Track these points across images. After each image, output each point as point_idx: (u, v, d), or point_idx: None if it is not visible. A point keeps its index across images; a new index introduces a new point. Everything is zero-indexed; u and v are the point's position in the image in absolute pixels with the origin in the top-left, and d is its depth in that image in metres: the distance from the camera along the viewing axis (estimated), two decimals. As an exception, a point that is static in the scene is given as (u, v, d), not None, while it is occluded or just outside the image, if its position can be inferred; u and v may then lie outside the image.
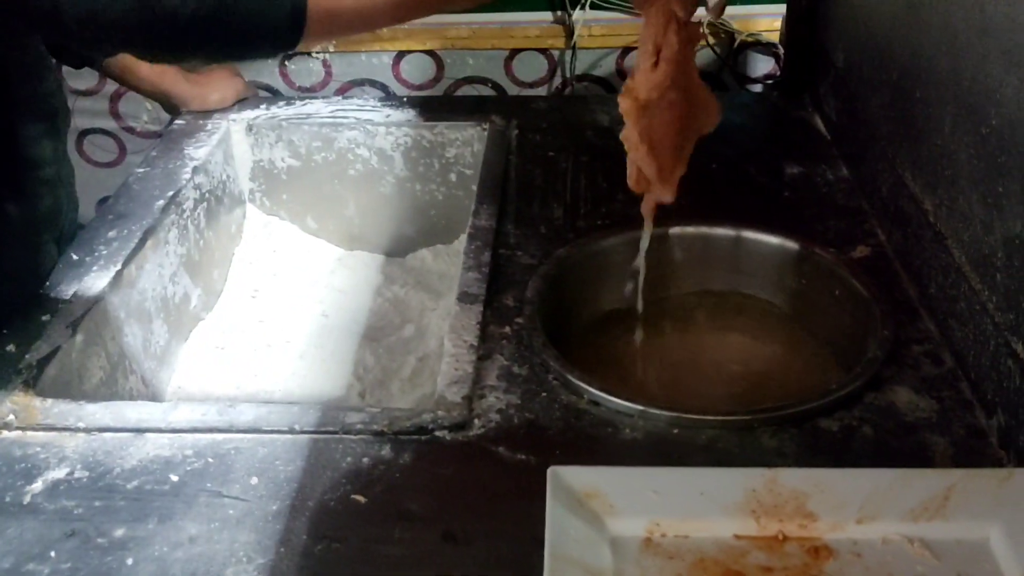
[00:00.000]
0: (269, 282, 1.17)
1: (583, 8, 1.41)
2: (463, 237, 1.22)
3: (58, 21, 0.67)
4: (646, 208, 0.83)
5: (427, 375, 1.01)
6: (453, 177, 1.20)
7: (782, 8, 1.36)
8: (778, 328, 0.91)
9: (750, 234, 0.92)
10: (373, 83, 1.51)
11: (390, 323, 1.12)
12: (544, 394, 0.75)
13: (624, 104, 0.76)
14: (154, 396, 0.93)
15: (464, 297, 0.86)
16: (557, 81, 1.49)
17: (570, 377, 0.75)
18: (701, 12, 0.77)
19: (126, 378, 0.89)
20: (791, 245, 0.91)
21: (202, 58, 0.94)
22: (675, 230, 0.93)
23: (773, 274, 0.93)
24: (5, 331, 0.81)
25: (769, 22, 1.40)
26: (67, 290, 0.86)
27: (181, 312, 1.02)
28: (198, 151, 1.11)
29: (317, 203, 1.23)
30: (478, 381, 0.76)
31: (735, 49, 1.42)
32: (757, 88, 1.44)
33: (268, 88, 1.48)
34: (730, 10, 1.40)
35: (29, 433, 0.71)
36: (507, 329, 0.83)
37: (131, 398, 0.88)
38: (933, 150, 0.81)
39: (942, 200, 0.79)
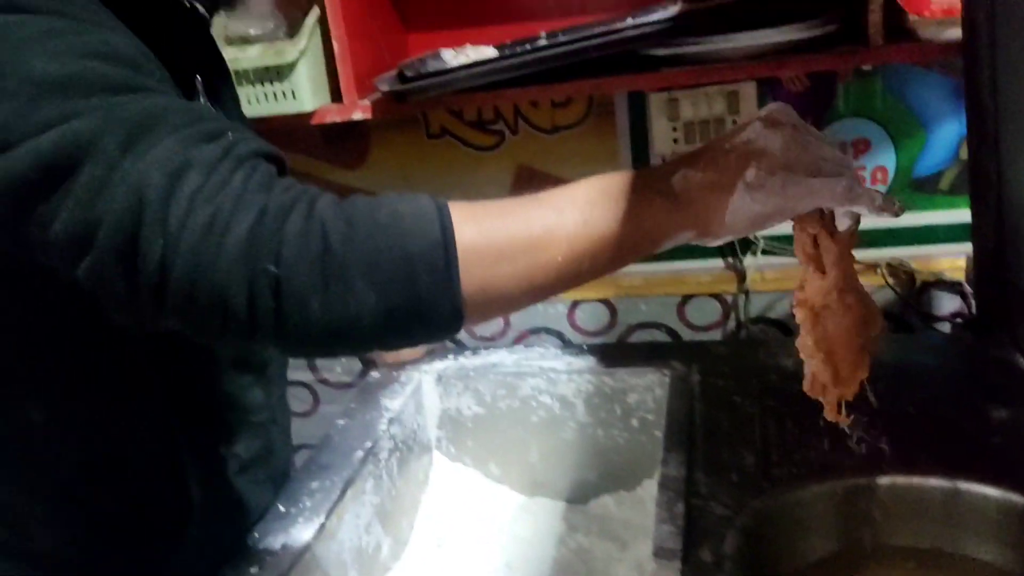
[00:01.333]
0: (453, 530, 1.17)
1: (754, 254, 1.45)
2: (646, 483, 1.20)
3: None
4: (830, 412, 0.81)
5: (618, 634, 0.96)
6: (635, 423, 1.21)
7: (962, 247, 1.35)
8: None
9: (967, 486, 0.86)
10: (549, 331, 1.57)
11: (575, 575, 1.09)
12: (756, 664, 0.70)
13: (799, 314, 0.76)
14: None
15: (660, 552, 0.84)
16: (731, 324, 1.50)
17: (784, 645, 0.70)
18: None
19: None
20: (1016, 499, 0.84)
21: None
22: (883, 481, 0.88)
23: (994, 530, 0.85)
24: (217, 582, 0.85)
25: (951, 260, 1.38)
26: (275, 541, 0.90)
27: (372, 562, 1.04)
28: (393, 402, 1.17)
29: (500, 449, 1.25)
30: (682, 647, 0.72)
31: (917, 289, 1.40)
32: (945, 328, 1.39)
33: (452, 339, 1.56)
34: (908, 250, 1.39)
35: None
36: (707, 588, 0.79)
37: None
38: None
39: None
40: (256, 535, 0.91)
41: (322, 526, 0.92)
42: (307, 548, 0.88)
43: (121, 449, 0.80)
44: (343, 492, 0.97)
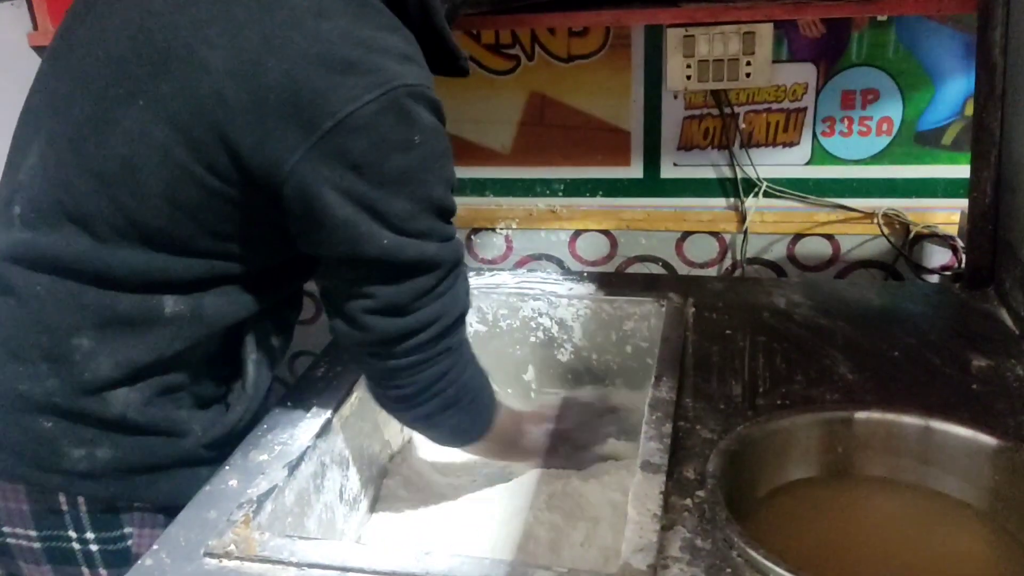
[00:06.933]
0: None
1: (756, 196, 1.48)
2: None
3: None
4: None
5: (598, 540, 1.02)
6: (629, 349, 1.25)
7: (959, 202, 1.39)
8: (973, 528, 0.88)
9: (939, 425, 0.91)
10: (550, 258, 1.61)
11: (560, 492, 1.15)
12: (728, 570, 0.76)
13: None
14: (351, 539, 0.98)
15: (646, 466, 0.89)
16: (727, 263, 1.54)
17: (756, 555, 0.75)
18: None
19: (332, 519, 0.95)
20: (985, 439, 0.89)
21: None
22: (860, 415, 0.93)
23: (965, 469, 0.90)
24: (228, 467, 0.90)
25: (946, 215, 1.41)
26: (283, 433, 0.95)
27: (373, 462, 1.09)
28: (398, 313, 1.22)
29: (498, 368, 1.29)
30: (662, 551, 0.78)
31: (910, 240, 1.43)
32: (934, 279, 1.44)
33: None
34: (906, 202, 1.43)
35: (247, 564, 0.77)
36: (688, 501, 0.84)
37: (330, 538, 0.94)
38: None
39: None
40: (265, 425, 0.96)
41: (328, 422, 0.96)
42: (312, 442, 0.93)
43: (217, 333, 0.90)
44: (348, 392, 1.02)
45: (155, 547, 0.80)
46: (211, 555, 0.78)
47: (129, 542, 0.92)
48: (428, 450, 1.20)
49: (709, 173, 1.50)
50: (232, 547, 0.78)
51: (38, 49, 1.48)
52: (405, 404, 0.93)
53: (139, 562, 0.78)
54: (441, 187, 0.85)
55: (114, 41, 0.83)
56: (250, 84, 0.77)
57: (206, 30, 0.79)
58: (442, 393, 0.92)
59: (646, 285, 1.30)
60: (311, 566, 0.76)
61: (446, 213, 0.87)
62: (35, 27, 1.48)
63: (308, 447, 0.93)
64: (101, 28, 0.85)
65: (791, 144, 1.45)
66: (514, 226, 1.59)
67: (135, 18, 0.83)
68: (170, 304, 0.86)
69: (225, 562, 0.78)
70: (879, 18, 1.34)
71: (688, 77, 1.41)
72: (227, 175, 0.80)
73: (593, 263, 1.60)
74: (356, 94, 0.77)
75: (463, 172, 1.57)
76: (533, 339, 1.28)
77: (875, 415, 0.92)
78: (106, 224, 0.83)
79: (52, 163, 0.85)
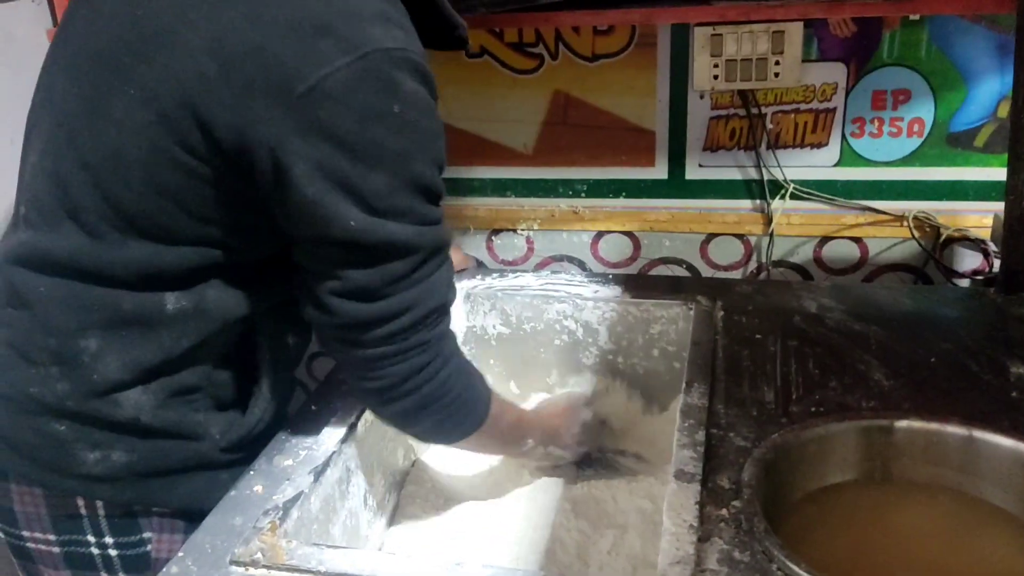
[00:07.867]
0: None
1: (782, 198, 1.45)
2: (660, 414, 1.23)
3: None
4: None
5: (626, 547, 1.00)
6: (656, 352, 1.23)
7: (991, 205, 1.36)
8: (1013, 538, 0.86)
9: (982, 435, 0.89)
10: (571, 259, 1.58)
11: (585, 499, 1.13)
12: (770, 584, 0.73)
13: None
14: (374, 546, 0.97)
15: (680, 475, 0.87)
16: (752, 265, 1.52)
17: (798, 569, 0.73)
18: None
19: (356, 526, 0.93)
20: (1029, 449, 0.87)
21: None
22: (901, 424, 0.90)
23: (1006, 480, 0.88)
24: (252, 472, 0.88)
25: (978, 219, 1.38)
26: (307, 438, 0.93)
27: (396, 467, 1.07)
28: (421, 315, 1.20)
29: (522, 370, 1.28)
30: (699, 563, 0.76)
31: (941, 243, 1.41)
32: (964, 283, 1.41)
33: (475, 260, 1.58)
34: (936, 205, 1.40)
35: (274, 572, 0.76)
36: (724, 511, 0.82)
37: (355, 545, 0.92)
38: None
39: None
40: (290, 429, 0.94)
41: (352, 426, 0.95)
42: (338, 447, 0.91)
43: (224, 330, 0.89)
44: (374, 397, 1.00)
45: (180, 554, 0.78)
46: (237, 563, 0.77)
47: (148, 547, 0.90)
48: (451, 455, 1.18)
49: (735, 174, 1.47)
50: (259, 555, 0.77)
51: (57, 46, 1.47)
52: (379, 398, 0.87)
53: (165, 569, 0.77)
54: (426, 164, 0.79)
55: (105, 32, 0.82)
56: (222, 56, 0.74)
57: (190, 13, 0.77)
58: (417, 390, 0.86)
59: (673, 288, 1.27)
60: (340, 576, 0.75)
61: (430, 193, 0.81)
62: (55, 24, 1.47)
63: (334, 452, 0.91)
64: (93, 20, 0.84)
65: (819, 145, 1.42)
66: (536, 227, 1.57)
67: (124, 8, 0.81)
68: (172, 301, 0.84)
69: (252, 570, 0.76)
70: (911, 17, 1.32)
71: (715, 77, 1.39)
72: (201, 152, 0.77)
73: (615, 265, 1.57)
74: (329, 58, 0.73)
75: (485, 172, 1.55)
76: (558, 342, 1.26)
77: (916, 424, 0.90)
78: (98, 217, 0.81)
79: (50, 159, 0.84)
